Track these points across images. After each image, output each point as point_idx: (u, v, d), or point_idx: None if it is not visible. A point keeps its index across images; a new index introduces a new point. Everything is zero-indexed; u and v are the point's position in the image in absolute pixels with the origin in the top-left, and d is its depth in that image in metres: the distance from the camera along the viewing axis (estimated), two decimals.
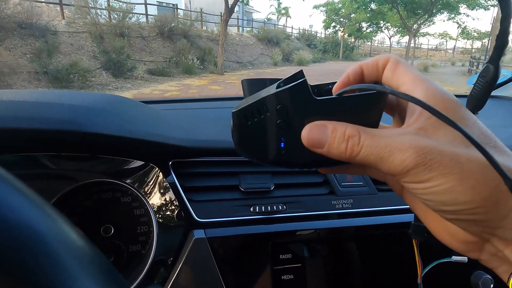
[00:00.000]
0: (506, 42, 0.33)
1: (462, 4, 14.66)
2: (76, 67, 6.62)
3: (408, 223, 0.47)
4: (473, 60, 13.26)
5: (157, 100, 0.85)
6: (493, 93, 1.10)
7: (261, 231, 0.43)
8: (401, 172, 0.19)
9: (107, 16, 9.34)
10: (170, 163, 0.46)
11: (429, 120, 0.20)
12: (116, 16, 9.26)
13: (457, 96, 0.61)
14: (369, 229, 0.45)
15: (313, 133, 0.21)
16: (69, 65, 6.58)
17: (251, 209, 0.45)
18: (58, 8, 8.91)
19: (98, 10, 8.90)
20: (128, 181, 0.47)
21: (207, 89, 7.68)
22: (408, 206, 0.48)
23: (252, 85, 0.63)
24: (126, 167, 0.47)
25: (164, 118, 0.53)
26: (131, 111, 0.48)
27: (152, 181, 0.47)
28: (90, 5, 8.67)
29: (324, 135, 0.21)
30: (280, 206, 0.45)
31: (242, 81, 0.64)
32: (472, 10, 14.77)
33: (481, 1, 14.15)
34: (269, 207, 0.45)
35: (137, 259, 0.47)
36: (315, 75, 11.18)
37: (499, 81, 1.10)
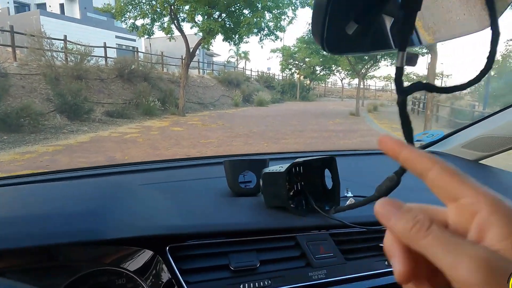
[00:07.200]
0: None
1: None
2: (28, 110, 6.32)
3: (381, 286, 0.55)
4: (415, 100, 14.87)
5: (134, 170, 0.89)
6: (431, 149, 1.29)
7: None
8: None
9: (63, 58, 9.15)
10: (167, 248, 0.51)
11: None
12: (73, 58, 9.11)
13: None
14: None
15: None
16: (20, 108, 6.27)
17: (241, 286, 0.51)
18: (10, 49, 8.59)
19: (54, 53, 8.72)
20: (125, 265, 0.51)
21: (169, 130, 7.67)
22: (377, 271, 0.57)
23: (233, 166, 0.71)
24: (124, 253, 0.51)
25: (157, 202, 0.59)
26: (129, 203, 0.53)
27: (148, 264, 0.51)
28: (45, 48, 8.48)
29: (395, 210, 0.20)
30: (266, 282, 0.51)
31: (224, 162, 0.72)
32: None
33: (417, 49, 15.96)
34: (256, 283, 0.51)
35: None
36: (274, 115, 11.69)
37: (434, 139, 1.28)
